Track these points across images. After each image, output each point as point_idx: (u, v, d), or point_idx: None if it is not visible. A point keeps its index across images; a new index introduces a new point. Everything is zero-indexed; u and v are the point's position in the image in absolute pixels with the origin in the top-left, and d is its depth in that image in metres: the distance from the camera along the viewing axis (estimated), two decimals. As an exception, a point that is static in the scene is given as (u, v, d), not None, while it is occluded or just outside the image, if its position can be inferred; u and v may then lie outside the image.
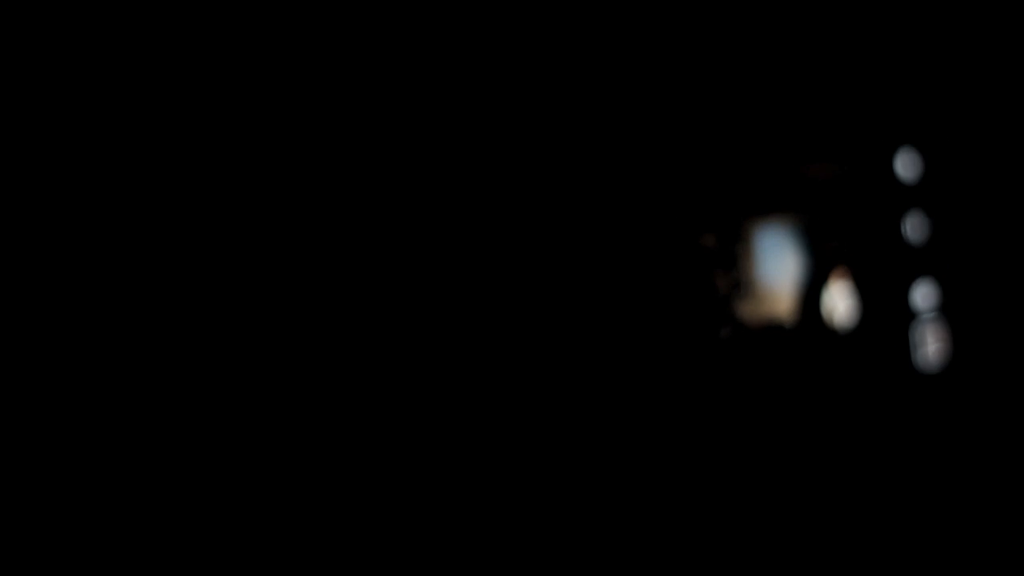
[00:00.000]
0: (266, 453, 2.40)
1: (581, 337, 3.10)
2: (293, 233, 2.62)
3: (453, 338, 2.89)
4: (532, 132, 3.35)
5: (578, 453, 2.75)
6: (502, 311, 3.01)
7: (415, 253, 2.85)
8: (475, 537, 2.51)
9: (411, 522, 2.49)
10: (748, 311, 3.61)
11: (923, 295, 2.39)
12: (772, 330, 3.52)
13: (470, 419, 2.80)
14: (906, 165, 2.45)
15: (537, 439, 2.78)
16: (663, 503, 2.57)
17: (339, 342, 2.59)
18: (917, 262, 2.48)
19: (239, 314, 2.45)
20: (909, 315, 2.47)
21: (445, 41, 2.82)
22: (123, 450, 2.24)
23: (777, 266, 4.16)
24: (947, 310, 2.40)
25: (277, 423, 2.46)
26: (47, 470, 2.12)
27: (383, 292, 2.70)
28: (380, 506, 2.48)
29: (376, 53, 2.73)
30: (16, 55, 2.14)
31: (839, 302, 3.70)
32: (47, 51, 2.20)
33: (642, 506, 2.56)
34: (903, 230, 2.50)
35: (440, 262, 2.92)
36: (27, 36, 2.17)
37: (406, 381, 2.65)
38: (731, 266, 3.93)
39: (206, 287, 2.44)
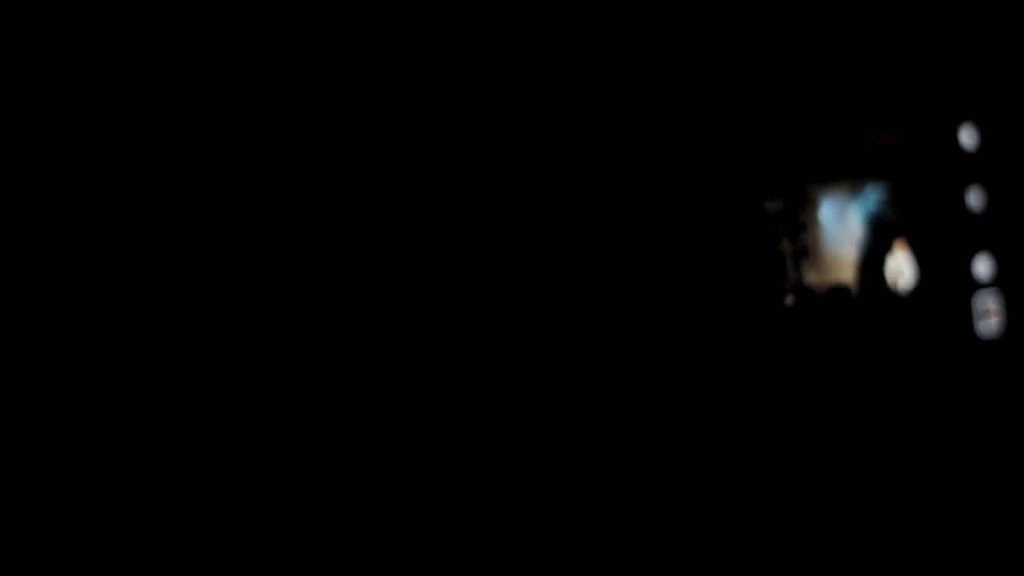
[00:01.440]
0: (266, 453, 2.31)
1: (643, 304, 3.15)
2: (293, 233, 2.53)
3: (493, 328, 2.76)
4: (589, 95, 3.31)
5: (638, 417, 2.80)
6: (557, 277, 2.94)
7: (435, 252, 2.64)
8: (484, 536, 2.41)
9: (411, 522, 2.41)
10: (813, 277, 3.65)
11: (985, 265, 2.48)
12: (836, 296, 3.56)
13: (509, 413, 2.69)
14: (971, 136, 2.51)
15: (595, 403, 2.76)
16: (721, 467, 2.65)
17: (339, 342, 2.48)
18: (980, 232, 2.54)
19: (239, 314, 2.34)
20: (971, 284, 2.56)
21: (448, 41, 2.68)
22: (123, 450, 2.14)
23: (841, 233, 4.18)
24: (1007, 281, 2.44)
25: (277, 423, 2.38)
26: (47, 470, 2.01)
27: (384, 292, 2.58)
28: (380, 506, 2.40)
29: (376, 53, 2.61)
30: (16, 55, 2.00)
31: (903, 270, 3.73)
32: (47, 51, 2.07)
33: (702, 468, 2.62)
34: (967, 199, 2.56)
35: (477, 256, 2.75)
36: (27, 36, 2.04)
37: (416, 381, 2.55)
38: (797, 232, 3.96)
39: (206, 287, 2.35)
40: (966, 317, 2.45)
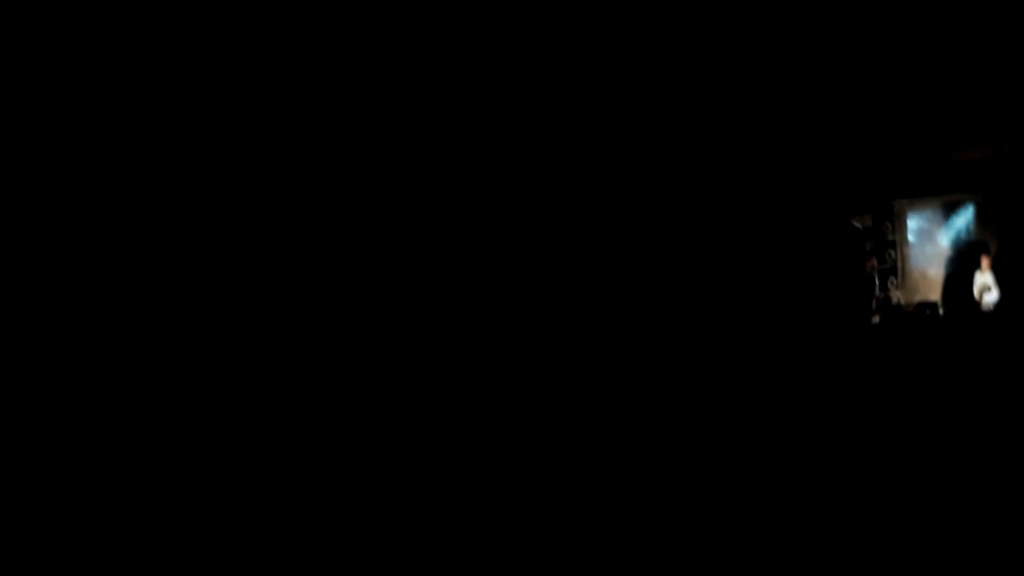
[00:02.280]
0: (266, 451, 1.96)
1: (732, 317, 3.29)
2: (293, 233, 2.16)
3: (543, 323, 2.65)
4: (678, 114, 3.35)
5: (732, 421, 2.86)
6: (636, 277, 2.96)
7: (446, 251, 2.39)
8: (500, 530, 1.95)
9: (411, 521, 1.92)
10: (900, 295, 3.73)
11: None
12: (923, 314, 3.63)
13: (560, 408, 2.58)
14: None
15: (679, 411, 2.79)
16: (807, 475, 2.69)
17: (339, 341, 2.17)
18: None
19: (238, 313, 2.02)
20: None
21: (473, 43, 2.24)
22: (123, 449, 1.68)
23: (929, 250, 4.27)
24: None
25: (276, 421, 2.04)
26: (47, 470, 1.56)
27: (385, 292, 2.25)
28: (380, 505, 1.92)
29: (378, 55, 2.26)
30: (18, 55, 1.58)
31: (990, 286, 3.81)
32: (49, 52, 1.64)
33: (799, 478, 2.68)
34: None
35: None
36: (30, 37, 1.59)
37: (420, 377, 2.22)
38: (885, 250, 4.07)
39: (205, 287, 2.01)
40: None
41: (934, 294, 5.25)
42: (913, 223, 5.38)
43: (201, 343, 2.03)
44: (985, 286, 5.11)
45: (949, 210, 5.75)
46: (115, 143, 2.02)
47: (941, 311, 4.80)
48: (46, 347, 1.80)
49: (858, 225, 5.09)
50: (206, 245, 2.09)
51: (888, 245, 5.10)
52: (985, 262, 5.42)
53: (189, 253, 2.07)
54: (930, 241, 5.28)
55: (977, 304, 4.86)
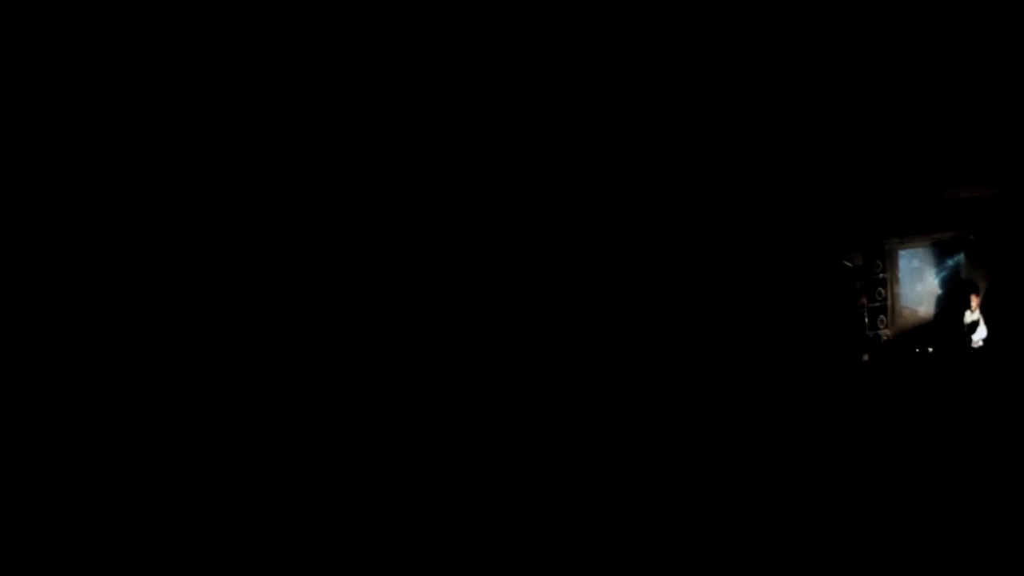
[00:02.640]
0: (266, 451, 1.98)
1: (722, 354, 3.31)
2: (293, 233, 2.18)
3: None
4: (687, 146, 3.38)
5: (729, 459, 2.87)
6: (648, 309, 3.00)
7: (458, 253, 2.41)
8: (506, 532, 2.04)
9: (411, 521, 2.03)
10: (891, 331, 3.74)
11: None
12: (914, 347, 3.63)
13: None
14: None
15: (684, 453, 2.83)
16: (796, 512, 2.73)
17: (339, 341, 2.18)
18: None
19: (239, 313, 2.03)
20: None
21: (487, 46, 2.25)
22: (123, 449, 1.76)
23: (920, 289, 4.29)
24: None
25: (276, 421, 2.05)
26: (47, 470, 1.65)
27: (385, 292, 2.27)
28: (380, 505, 2.03)
29: (379, 56, 2.18)
30: (18, 55, 1.63)
31: (979, 323, 3.81)
32: (50, 52, 1.69)
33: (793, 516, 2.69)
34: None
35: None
36: (31, 37, 1.63)
37: (422, 378, 2.25)
38: (875, 288, 4.09)
39: (205, 287, 2.02)
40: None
41: (923, 333, 5.28)
42: (904, 262, 5.45)
43: (200, 342, 2.11)
44: (973, 325, 5.18)
45: (940, 249, 5.84)
46: (115, 142, 2.05)
47: (930, 349, 4.85)
48: (46, 347, 1.80)
49: (849, 263, 5.13)
50: (205, 244, 2.17)
51: (879, 283, 5.16)
52: (975, 301, 5.52)
53: (188, 253, 2.15)
54: (920, 280, 5.33)
55: (966, 342, 4.94)
